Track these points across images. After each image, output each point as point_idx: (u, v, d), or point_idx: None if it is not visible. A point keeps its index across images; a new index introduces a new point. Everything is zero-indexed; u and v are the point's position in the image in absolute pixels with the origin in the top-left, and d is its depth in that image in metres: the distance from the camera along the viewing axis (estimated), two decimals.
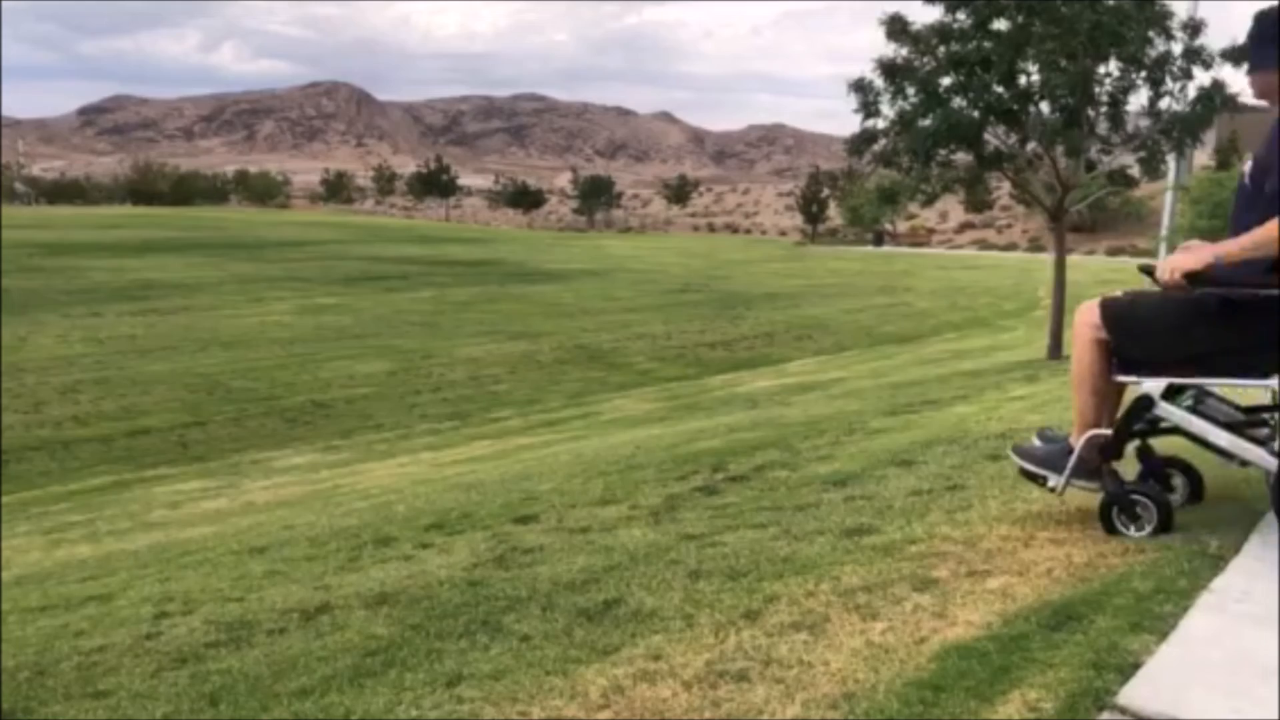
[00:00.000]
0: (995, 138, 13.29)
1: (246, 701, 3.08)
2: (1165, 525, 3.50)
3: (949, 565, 3.49)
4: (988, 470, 5.01)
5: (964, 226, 60.49)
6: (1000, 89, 12.66)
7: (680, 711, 2.61)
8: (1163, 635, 2.75)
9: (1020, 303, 28.70)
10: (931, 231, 61.27)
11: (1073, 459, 3.65)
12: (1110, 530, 3.57)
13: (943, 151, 13.11)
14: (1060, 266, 14.07)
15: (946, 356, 18.43)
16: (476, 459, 11.31)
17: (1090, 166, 13.63)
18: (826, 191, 69.18)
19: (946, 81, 12.74)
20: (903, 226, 61.86)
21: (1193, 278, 3.28)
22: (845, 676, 2.69)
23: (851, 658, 2.80)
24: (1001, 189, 44.34)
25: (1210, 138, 28.63)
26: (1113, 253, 46.60)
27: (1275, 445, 3.34)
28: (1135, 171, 13.84)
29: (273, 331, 22.97)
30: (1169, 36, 12.44)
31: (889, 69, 12.80)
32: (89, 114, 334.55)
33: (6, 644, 4.15)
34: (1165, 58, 12.49)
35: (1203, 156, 40.36)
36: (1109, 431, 3.64)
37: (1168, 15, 12.43)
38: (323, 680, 3.13)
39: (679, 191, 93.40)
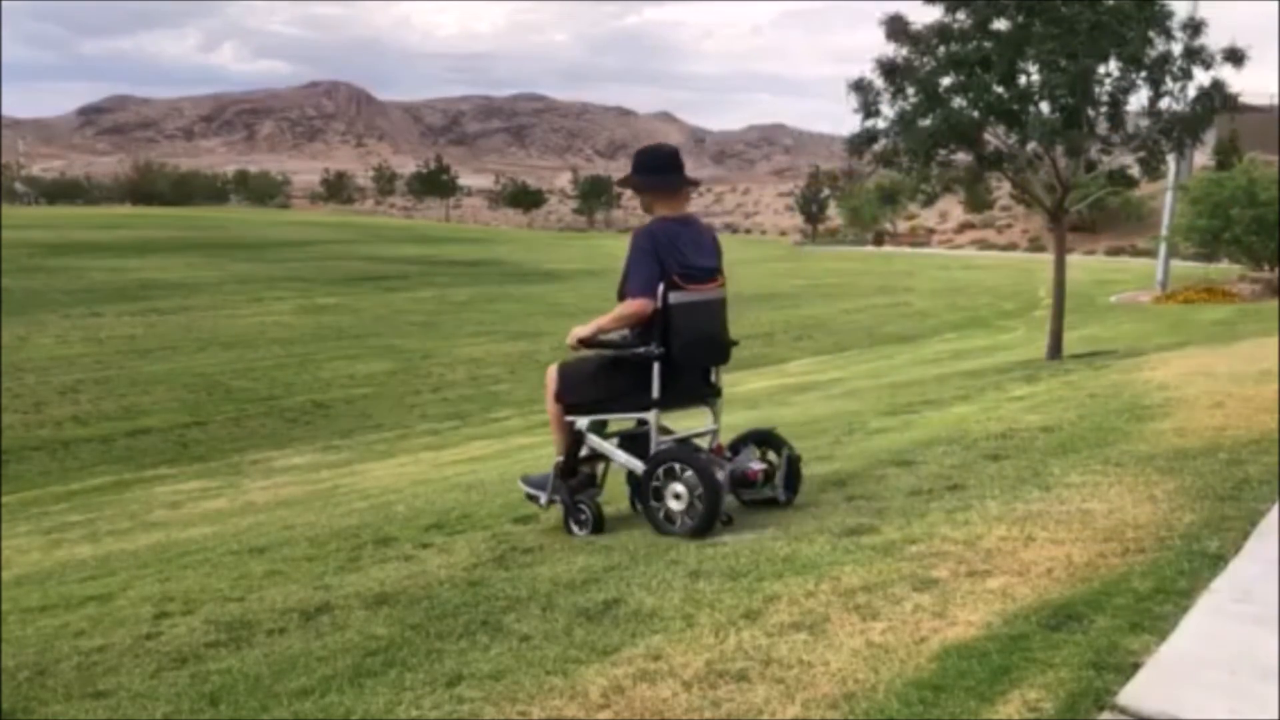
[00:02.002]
0: (995, 138, 13.27)
1: (246, 701, 3.08)
2: (599, 527, 4.65)
3: (949, 565, 3.49)
4: (988, 470, 5.01)
5: (964, 226, 60.50)
6: (1000, 89, 12.65)
7: (680, 711, 2.61)
8: (1163, 635, 2.75)
9: (1020, 303, 28.70)
10: (931, 231, 61.27)
11: (550, 480, 4.81)
12: (567, 530, 4.71)
13: (943, 151, 13.09)
14: (1060, 266, 14.06)
15: (946, 356, 18.43)
16: (476, 459, 11.31)
17: (1090, 166, 13.62)
18: (826, 191, 69.22)
19: (946, 81, 12.73)
20: (903, 226, 61.87)
21: (584, 342, 4.64)
22: (845, 676, 2.69)
23: (851, 658, 2.80)
24: (1001, 189, 44.34)
25: (1210, 138, 28.67)
26: (1113, 253, 46.59)
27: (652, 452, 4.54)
28: (1135, 171, 13.81)
29: (273, 331, 22.96)
30: (1169, 36, 12.43)
31: (889, 69, 12.79)
32: (89, 114, 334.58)
33: (6, 644, 4.15)
34: (1165, 58, 12.48)
35: (1203, 156, 40.37)
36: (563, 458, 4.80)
37: (1168, 15, 12.42)
38: (323, 680, 3.13)
39: None
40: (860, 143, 13.35)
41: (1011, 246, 53.71)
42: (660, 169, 4.85)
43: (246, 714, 3.00)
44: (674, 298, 4.50)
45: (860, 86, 12.98)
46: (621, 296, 4.58)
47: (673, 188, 4.83)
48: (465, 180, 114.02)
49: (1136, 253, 43.43)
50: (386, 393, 17.67)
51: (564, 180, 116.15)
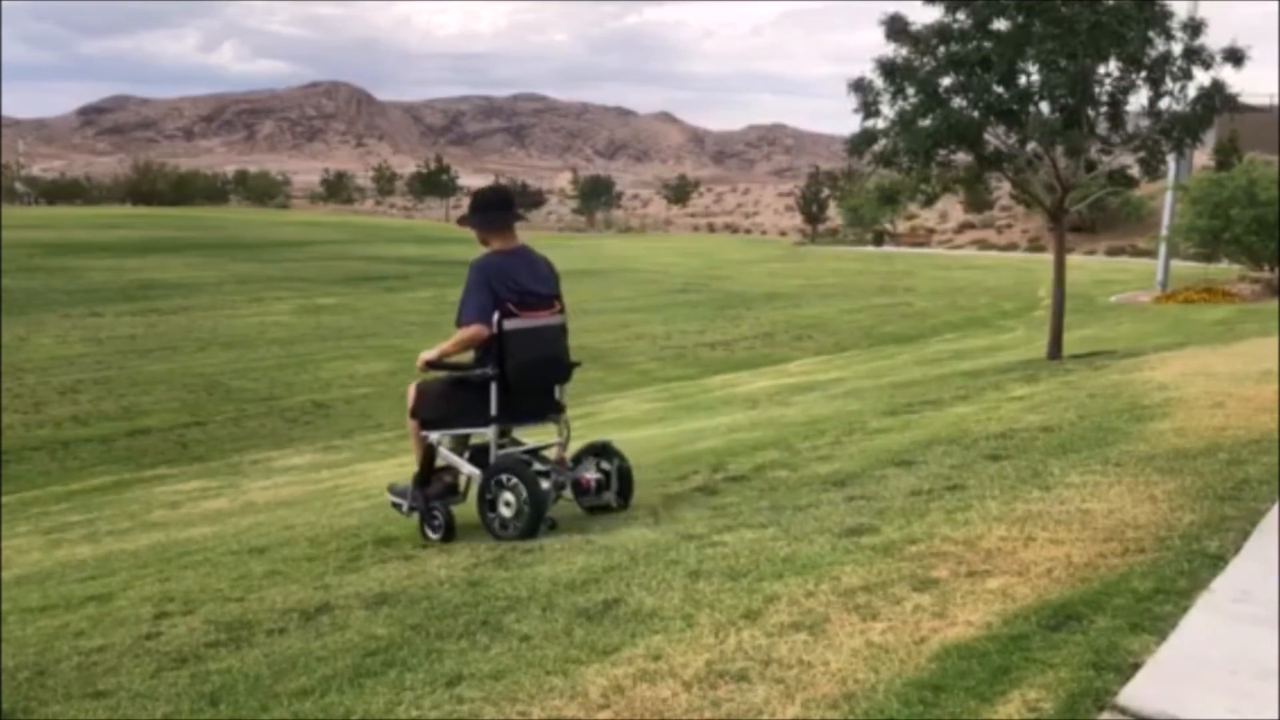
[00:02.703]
0: (995, 138, 13.26)
1: (246, 701, 3.08)
2: (450, 531, 5.12)
3: (949, 565, 3.49)
4: (988, 470, 5.01)
5: (964, 226, 60.44)
6: (1000, 89, 12.64)
7: (680, 711, 2.61)
8: (1163, 635, 2.75)
9: (1020, 303, 28.69)
10: (931, 231, 61.23)
11: (411, 489, 5.28)
12: (422, 535, 5.17)
13: (943, 151, 13.08)
14: (1060, 266, 14.05)
15: (946, 356, 18.43)
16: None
17: (1090, 166, 13.61)
18: (826, 191, 69.15)
19: (946, 81, 12.72)
20: (903, 226, 61.83)
21: (430, 364, 5.17)
22: (845, 676, 2.69)
23: (851, 658, 2.80)
24: (1001, 189, 44.29)
25: (1210, 138, 28.66)
26: (1113, 253, 46.55)
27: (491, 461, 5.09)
28: (1135, 171, 13.80)
29: (273, 331, 22.95)
30: (1169, 36, 12.42)
31: (889, 69, 12.78)
32: (89, 114, 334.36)
33: (6, 644, 4.15)
34: (1165, 58, 12.47)
35: (1203, 156, 40.35)
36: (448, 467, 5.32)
37: (1168, 15, 12.41)
38: (323, 680, 3.13)
39: (679, 191, 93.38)
40: (860, 143, 13.33)
41: (1011, 246, 53.66)
42: (491, 207, 5.31)
43: (246, 714, 3.00)
44: (508, 324, 5.02)
45: (860, 86, 12.97)
46: (458, 323, 5.10)
47: (502, 224, 5.24)
48: (465, 180, 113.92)
49: (1136, 253, 43.38)
50: (386, 393, 17.65)
51: (564, 180, 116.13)
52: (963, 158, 13.53)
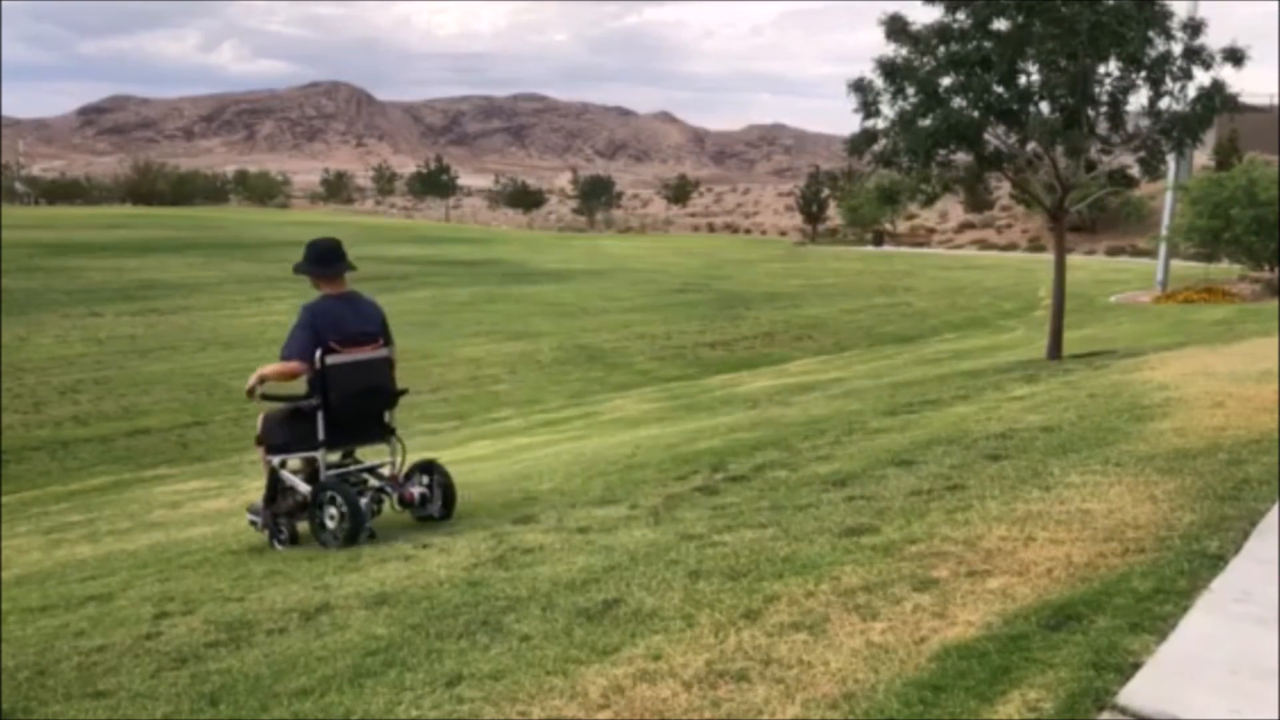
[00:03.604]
0: (995, 138, 13.27)
1: (246, 701, 3.08)
2: (295, 542, 5.81)
3: (949, 565, 3.49)
4: (988, 470, 5.01)
5: (964, 226, 60.44)
6: (1000, 89, 12.64)
7: (680, 711, 2.61)
8: (1163, 635, 2.75)
9: (1020, 303, 28.69)
10: (931, 231, 61.23)
11: (261, 508, 5.97)
12: (271, 545, 5.83)
13: (943, 151, 13.08)
14: (1060, 266, 14.05)
15: (946, 356, 18.43)
16: (476, 459, 11.31)
17: (1090, 166, 13.61)
18: (826, 191, 69.12)
19: (946, 81, 12.72)
20: (903, 226, 61.83)
21: (249, 393, 5.81)
22: (845, 676, 2.69)
23: (851, 658, 2.80)
24: (1001, 189, 44.30)
25: (1210, 138, 28.66)
26: (1113, 253, 46.54)
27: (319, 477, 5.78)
28: (1135, 171, 13.80)
29: (272, 332, 22.93)
30: (1169, 36, 12.42)
31: (889, 69, 12.78)
32: (89, 114, 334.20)
33: (6, 644, 4.15)
34: (1165, 58, 12.47)
35: (1203, 156, 40.36)
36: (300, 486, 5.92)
37: (1168, 15, 12.41)
38: (323, 680, 3.13)
39: (679, 191, 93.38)
40: (860, 143, 13.33)
41: (1011, 246, 53.66)
42: (322, 260, 5.97)
43: (246, 714, 3.00)
44: (331, 360, 5.69)
45: (860, 86, 12.97)
46: (281, 357, 5.77)
47: (332, 274, 5.96)
48: (465, 180, 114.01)
49: (1136, 253, 43.38)
50: None
51: (564, 180, 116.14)
52: (963, 158, 13.53)
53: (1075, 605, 3.00)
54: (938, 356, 18.64)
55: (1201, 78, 12.62)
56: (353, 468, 6.06)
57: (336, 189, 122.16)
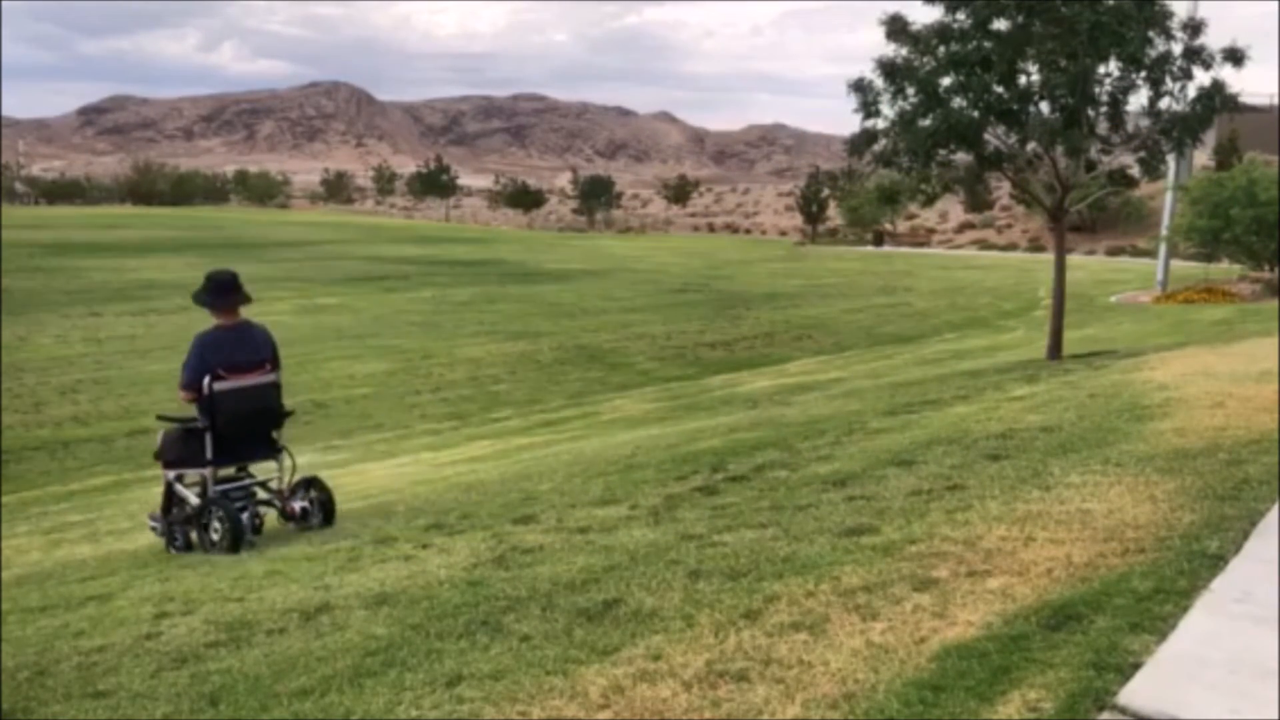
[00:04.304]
0: (995, 138, 13.27)
1: (246, 701, 3.08)
2: (188, 548, 6.40)
3: (949, 565, 3.49)
4: (988, 470, 5.01)
5: (964, 226, 60.44)
6: (1000, 89, 12.65)
7: (680, 711, 2.61)
8: (1163, 635, 2.75)
9: (1020, 303, 28.69)
10: (931, 231, 61.24)
11: (159, 516, 6.65)
12: (167, 550, 6.47)
13: (943, 151, 13.08)
14: (1060, 266, 14.06)
15: (946, 356, 18.43)
16: (476, 459, 11.31)
17: (1090, 166, 13.61)
18: (826, 191, 69.10)
19: (946, 81, 12.72)
20: (903, 226, 61.84)
21: (160, 416, 7.09)
22: (845, 676, 2.69)
23: (851, 658, 2.80)
24: (1001, 189, 44.30)
25: (1210, 138, 28.64)
26: (1113, 253, 46.55)
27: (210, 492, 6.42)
28: (1135, 171, 13.81)
29: (272, 331, 22.92)
30: (1169, 36, 12.42)
31: (889, 69, 12.79)
32: (89, 114, 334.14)
33: (6, 644, 4.15)
34: (1165, 58, 12.47)
35: (1203, 156, 40.35)
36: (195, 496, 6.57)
37: (1168, 15, 12.41)
38: (323, 680, 3.13)
39: (679, 191, 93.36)
40: (860, 143, 13.34)
41: (1011, 246, 53.66)
42: (217, 293, 6.55)
43: (246, 714, 3.00)
44: (219, 386, 6.31)
45: (860, 86, 12.97)
46: (180, 387, 6.47)
47: (226, 305, 6.54)
48: (465, 180, 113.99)
49: (1136, 253, 43.38)
50: (386, 393, 17.65)
51: (564, 180, 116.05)
52: (963, 158, 13.53)
53: (1075, 605, 3.00)
54: (938, 356, 18.64)
55: (1201, 78, 12.64)
56: (244, 482, 6.68)
57: (336, 189, 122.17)
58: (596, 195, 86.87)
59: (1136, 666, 2.57)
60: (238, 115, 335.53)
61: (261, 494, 6.70)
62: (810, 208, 67.44)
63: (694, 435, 9.21)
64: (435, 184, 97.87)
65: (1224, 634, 2.77)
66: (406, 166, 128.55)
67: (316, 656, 3.36)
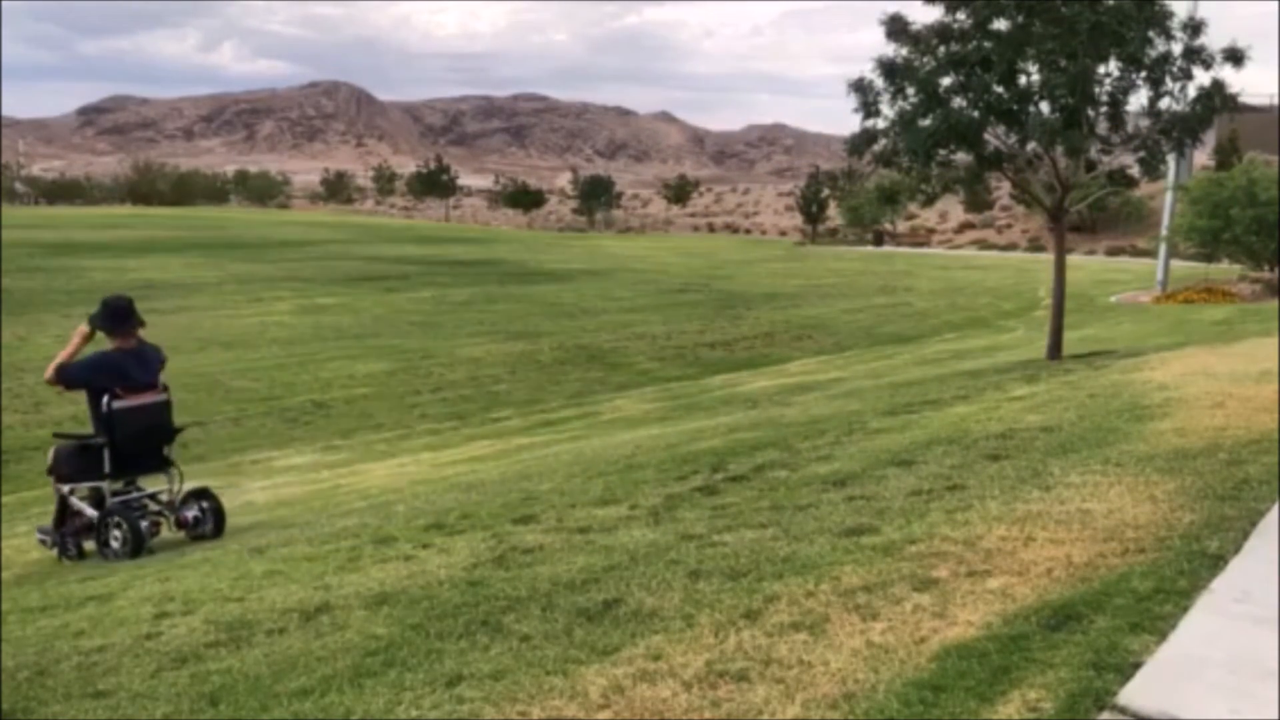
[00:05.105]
0: (995, 138, 13.26)
1: (246, 701, 3.08)
2: (82, 556, 6.86)
3: (949, 565, 3.49)
4: (988, 470, 5.01)
5: (964, 226, 60.43)
6: (1000, 89, 12.64)
7: (680, 711, 2.61)
8: (1163, 635, 2.75)
9: (1020, 303, 28.69)
10: (931, 231, 61.24)
11: (50, 529, 7.04)
12: (60, 559, 6.88)
13: (943, 151, 13.07)
14: (1060, 266, 14.05)
15: (946, 356, 18.43)
16: (476, 459, 11.31)
17: (1090, 166, 13.61)
18: (826, 191, 69.09)
19: (946, 81, 12.72)
20: (903, 226, 61.84)
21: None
22: (845, 676, 2.69)
23: (851, 658, 2.80)
24: (1001, 189, 44.30)
25: (1210, 138, 28.63)
26: (1113, 253, 46.54)
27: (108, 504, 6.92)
28: (1135, 171, 13.80)
29: (273, 331, 22.95)
30: (1169, 36, 12.42)
31: (889, 69, 12.78)
32: (89, 114, 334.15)
33: (6, 644, 4.15)
34: (1165, 58, 12.47)
35: (1203, 156, 40.35)
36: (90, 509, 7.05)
37: (1168, 15, 12.41)
38: (323, 680, 3.13)
39: (679, 191, 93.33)
40: (860, 143, 13.33)
41: (1011, 246, 53.65)
42: (114, 319, 7.06)
43: (246, 714, 3.00)
44: (117, 405, 6.77)
45: (860, 86, 12.97)
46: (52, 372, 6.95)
47: (123, 330, 7.08)
48: (465, 180, 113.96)
49: (1136, 253, 43.37)
50: (386, 393, 17.65)
51: (564, 180, 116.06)
52: (963, 158, 13.52)
53: (1075, 605, 3.00)
54: (938, 356, 18.64)
55: (1201, 78, 12.64)
56: (136, 494, 7.15)
57: (336, 189, 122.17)
58: (596, 195, 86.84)
59: (1136, 666, 2.57)
60: (238, 115, 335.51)
61: (153, 505, 7.19)
62: (810, 208, 67.42)
63: (694, 435, 9.21)
64: (435, 184, 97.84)
65: (1224, 634, 2.77)
66: (406, 166, 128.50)
67: (316, 656, 3.36)
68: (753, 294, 31.08)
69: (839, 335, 23.66)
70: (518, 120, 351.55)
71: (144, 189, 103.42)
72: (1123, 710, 2.37)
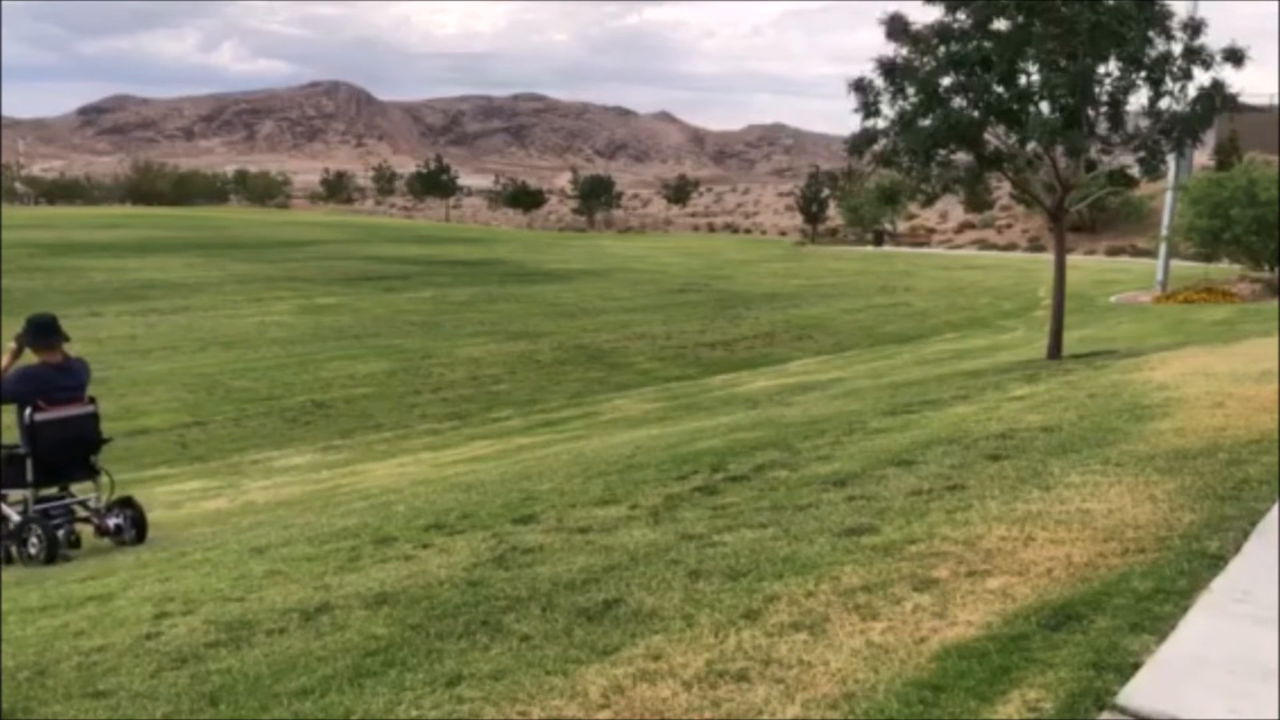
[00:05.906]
0: (995, 138, 13.27)
1: (246, 701, 3.08)
2: (10, 560, 7.10)
3: (949, 565, 3.49)
4: (988, 470, 5.01)
5: (964, 226, 60.42)
6: (1000, 89, 12.64)
7: (680, 711, 2.61)
8: (1163, 635, 2.75)
9: (1020, 303, 28.69)
10: (931, 231, 61.23)
11: None
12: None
13: (943, 151, 13.08)
14: (1060, 266, 14.06)
15: (946, 356, 18.43)
16: (476, 459, 11.31)
17: (1090, 166, 13.61)
18: (826, 191, 69.06)
19: (946, 81, 12.72)
20: (903, 226, 61.84)
21: None
22: (845, 676, 2.69)
23: (851, 658, 2.80)
24: (1001, 189, 44.27)
25: (1210, 138, 28.64)
26: (1113, 253, 46.53)
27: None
28: (1135, 171, 13.80)
29: (273, 331, 22.95)
30: (1169, 36, 12.42)
31: (889, 69, 12.78)
32: (89, 114, 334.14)
33: (6, 644, 4.15)
34: (1165, 58, 12.47)
35: (1203, 156, 40.33)
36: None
37: (1168, 15, 12.41)
38: (323, 680, 3.13)
39: (679, 191, 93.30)
40: (860, 143, 13.34)
41: (1011, 246, 53.64)
42: (38, 335, 7.35)
43: (246, 714, 3.00)
44: (39, 417, 7.17)
45: (860, 86, 12.97)
46: None
47: (48, 345, 7.40)
48: (465, 180, 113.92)
49: (1136, 253, 43.36)
50: (386, 393, 17.65)
51: (564, 180, 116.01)
52: (963, 158, 13.53)
53: (1075, 605, 3.00)
54: (938, 356, 18.64)
55: (1201, 78, 12.64)
56: (63, 500, 7.49)
57: (336, 189, 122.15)
58: (596, 195, 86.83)
59: (1136, 666, 2.57)
60: (238, 115, 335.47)
61: (81, 511, 7.50)
62: (810, 208, 67.41)
63: (694, 435, 9.21)
64: (435, 184, 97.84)
65: (1224, 634, 2.77)
66: (406, 166, 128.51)
67: (316, 656, 3.36)
68: (753, 294, 31.09)
69: (839, 335, 23.67)
70: (518, 120, 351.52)
71: (144, 189, 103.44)
72: (1122, 710, 2.37)
